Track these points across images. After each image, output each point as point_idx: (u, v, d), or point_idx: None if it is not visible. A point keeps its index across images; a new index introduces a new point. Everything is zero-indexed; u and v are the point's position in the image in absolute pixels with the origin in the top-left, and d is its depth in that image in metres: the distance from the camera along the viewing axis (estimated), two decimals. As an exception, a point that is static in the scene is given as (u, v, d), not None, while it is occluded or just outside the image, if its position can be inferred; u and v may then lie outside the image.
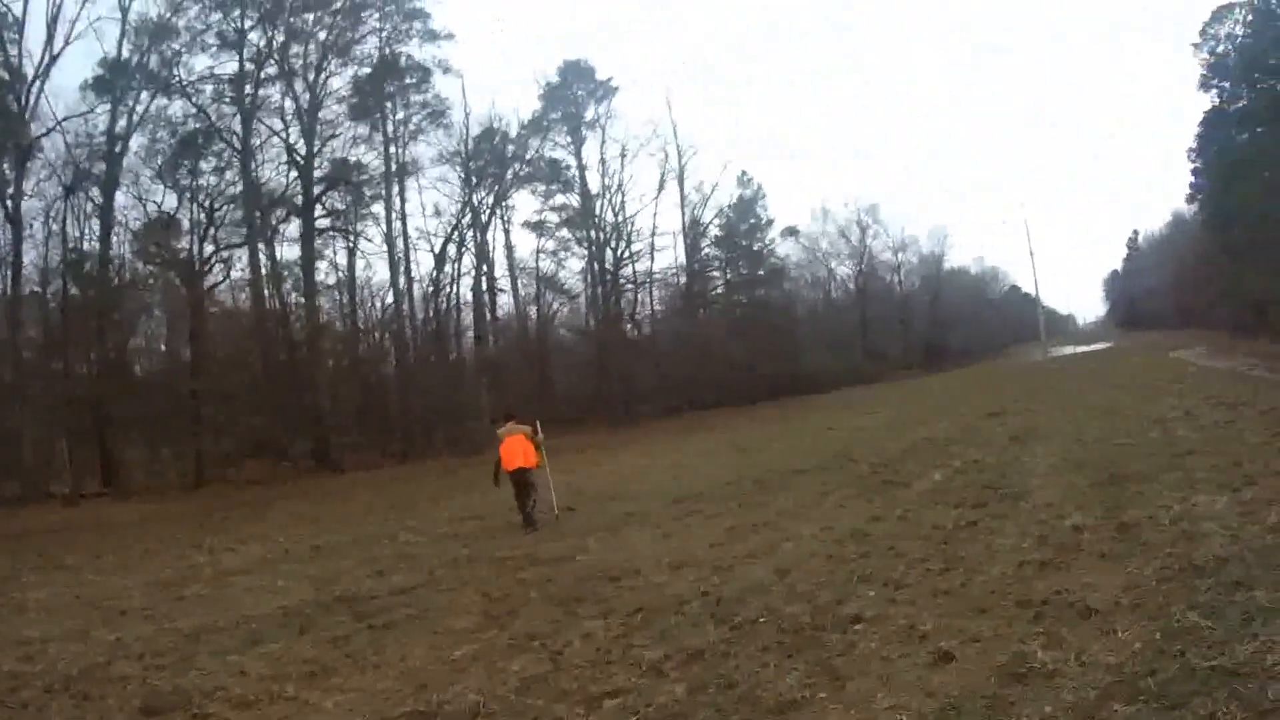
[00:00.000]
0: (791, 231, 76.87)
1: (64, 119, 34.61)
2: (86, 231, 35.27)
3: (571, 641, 8.81)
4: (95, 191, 35.08)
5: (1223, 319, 48.41)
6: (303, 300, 40.88)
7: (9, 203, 31.63)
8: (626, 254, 60.67)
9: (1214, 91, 49.11)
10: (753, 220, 69.61)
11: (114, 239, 35.90)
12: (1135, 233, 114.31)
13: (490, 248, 52.92)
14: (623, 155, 59.28)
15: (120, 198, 36.27)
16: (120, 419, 32.61)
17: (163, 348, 38.64)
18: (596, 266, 59.01)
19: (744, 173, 68.30)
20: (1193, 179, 57.19)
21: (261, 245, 39.94)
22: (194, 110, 38.68)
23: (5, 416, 28.78)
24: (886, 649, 7.42)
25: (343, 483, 31.33)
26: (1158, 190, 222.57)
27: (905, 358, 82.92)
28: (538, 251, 57.97)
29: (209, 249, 38.10)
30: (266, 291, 39.78)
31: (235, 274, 39.60)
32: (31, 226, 33.24)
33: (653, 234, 61.14)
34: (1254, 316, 39.54)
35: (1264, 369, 27.90)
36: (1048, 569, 9.09)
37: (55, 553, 18.16)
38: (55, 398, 30.98)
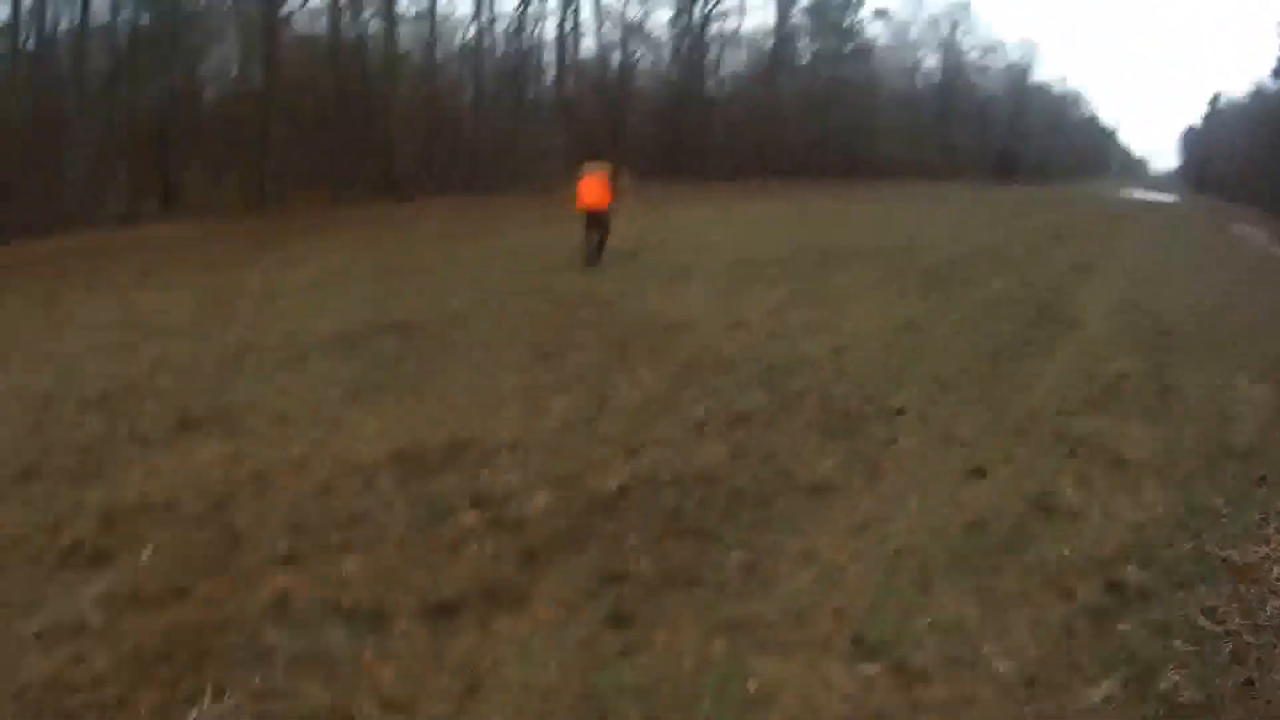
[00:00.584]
0: (882, 14, 73.15)
1: None
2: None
3: (619, 387, 8.50)
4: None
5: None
6: (381, 29, 38.27)
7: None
8: (715, 9, 57.16)
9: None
10: None
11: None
12: (1217, 94, 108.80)
13: None
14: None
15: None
16: (184, 143, 31.04)
17: (233, 74, 36.52)
18: (684, 18, 55.71)
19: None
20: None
21: None
22: None
23: (64, 141, 27.46)
24: (924, 451, 7.13)
25: (407, 211, 30.31)
26: (1245, 53, 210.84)
27: (977, 163, 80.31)
28: (626, -1, 55.15)
29: None
30: (345, 20, 37.08)
31: (314, 2, 36.54)
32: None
33: None
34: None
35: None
36: (1088, 408, 8.70)
37: (105, 272, 17.16)
38: (117, 122, 29.30)
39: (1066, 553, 5.51)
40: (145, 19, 31.74)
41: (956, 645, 4.53)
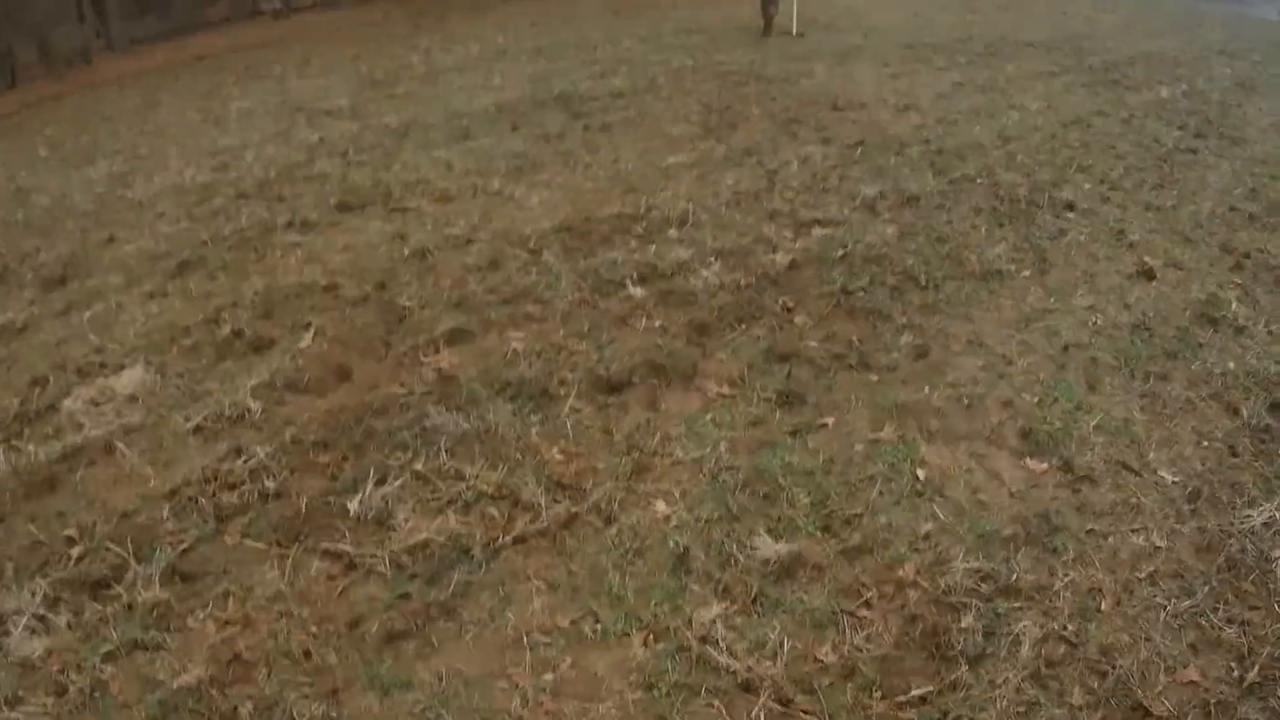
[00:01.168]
0: None
1: None
2: None
3: (789, 163, 8.06)
4: None
5: None
6: None
7: None
8: None
9: None
10: None
11: None
12: None
13: None
14: None
15: None
16: None
17: None
18: None
19: None
20: None
21: None
22: None
23: None
24: (1094, 246, 6.65)
25: None
26: None
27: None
28: None
29: None
30: None
31: None
32: None
33: None
34: None
35: None
36: (1255, 222, 7.98)
37: (262, 65, 16.65)
38: None
39: (1232, 366, 5.13)
40: None
41: (1123, 450, 4.28)
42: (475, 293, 5.64)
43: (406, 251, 6.33)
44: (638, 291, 5.57)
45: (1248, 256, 7.04)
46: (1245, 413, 4.68)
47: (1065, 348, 5.11)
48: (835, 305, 5.47)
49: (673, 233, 6.50)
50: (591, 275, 5.78)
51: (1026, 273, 6.06)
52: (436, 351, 5.11)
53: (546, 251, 6.18)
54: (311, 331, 5.38)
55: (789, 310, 5.40)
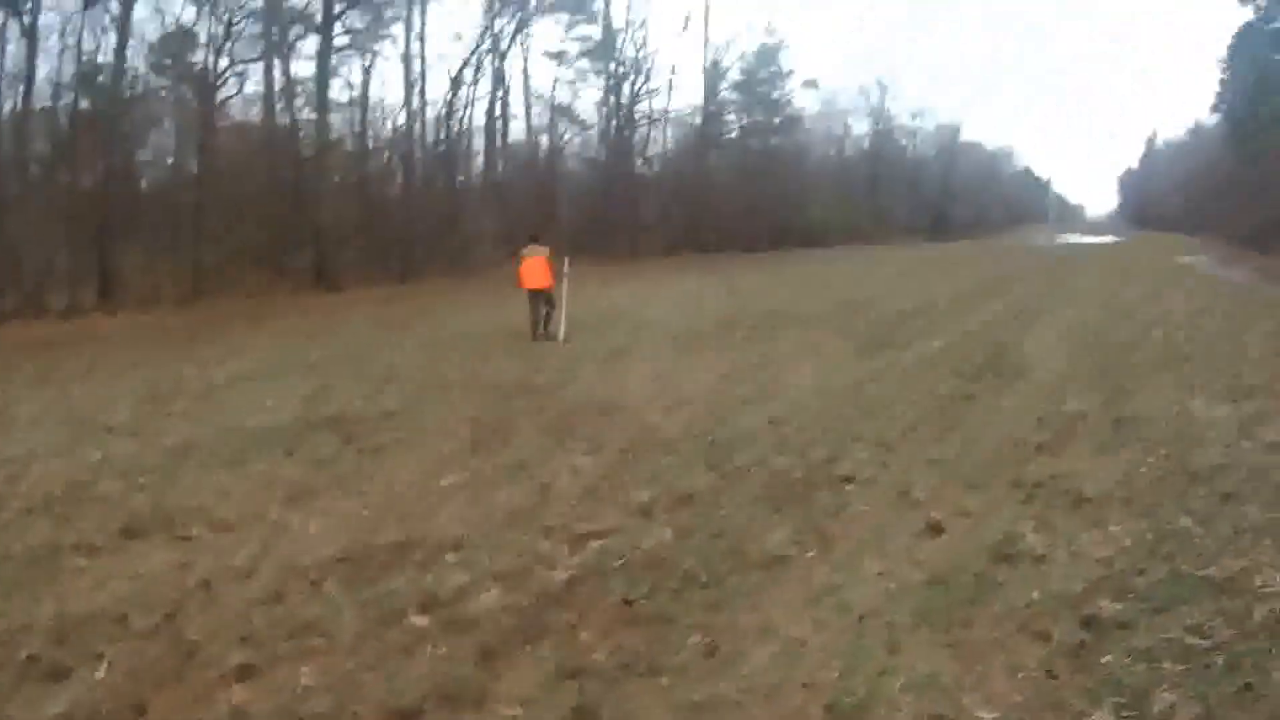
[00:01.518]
0: (811, 84, 75.30)
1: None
2: (102, 45, 32.71)
3: (560, 475, 8.57)
4: (114, 4, 32.69)
5: (1235, 231, 47.64)
6: (314, 116, 39.06)
7: (25, 16, 30.17)
8: (644, 89, 58.41)
9: (1251, 5, 47.99)
10: (773, 69, 67.47)
11: (129, 52, 33.51)
12: (1154, 133, 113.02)
13: (507, 75, 50.47)
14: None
15: (139, 9, 33.77)
16: (122, 230, 31.24)
17: (170, 160, 37.26)
18: (612, 100, 56.77)
19: (770, 22, 67.20)
20: (1219, 89, 56.34)
21: (277, 61, 37.89)
22: (220, -80, 36.84)
23: (7, 229, 27.85)
24: (877, 513, 7.24)
25: (340, 300, 30.75)
26: (1180, 96, 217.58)
27: (911, 223, 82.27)
28: (555, 80, 56.28)
29: (224, 63, 36.11)
30: (279, 107, 37.98)
31: (249, 89, 37.68)
32: (47, 40, 31.14)
33: (672, 73, 59.68)
34: (1269, 232, 38.92)
35: (1273, 286, 27.29)
36: (1043, 452, 8.90)
37: (48, 366, 17.07)
38: (58, 209, 29.82)
39: (1036, 596, 5.61)
40: (85, 103, 32.46)
41: (934, 702, 4.58)
42: (261, 627, 5.64)
43: (192, 582, 6.31)
44: (420, 620, 5.67)
45: (1039, 486, 7.79)
46: (1057, 635, 5.12)
47: (860, 617, 5.47)
48: (619, 616, 5.67)
49: (450, 557, 6.69)
50: (373, 605, 5.87)
51: (811, 553, 6.50)
52: (229, 686, 5.04)
53: (328, 582, 6.26)
54: (106, 662, 5.27)
55: (573, 627, 5.57)
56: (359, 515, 7.74)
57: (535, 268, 18.30)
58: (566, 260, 19.52)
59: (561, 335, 18.08)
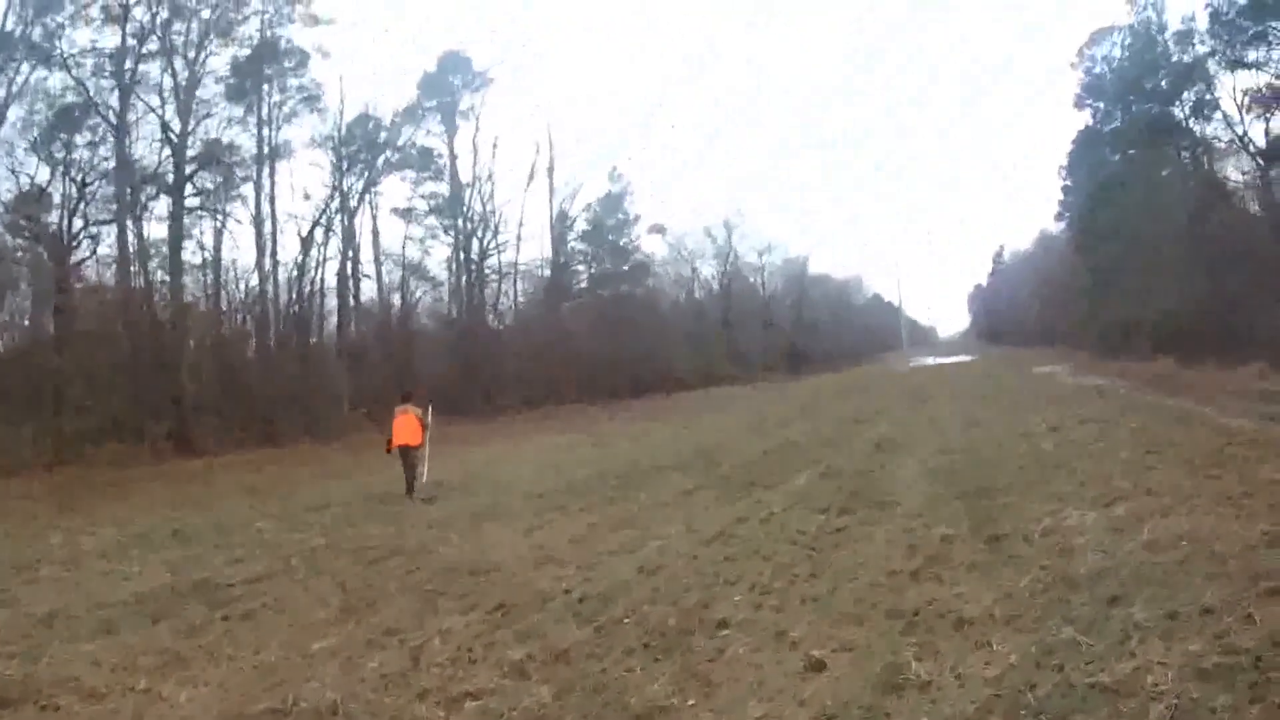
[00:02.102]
0: (658, 229, 77.18)
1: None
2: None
3: (432, 638, 8.55)
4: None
5: (1087, 337, 49.68)
6: (168, 279, 39.56)
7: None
8: (493, 244, 59.97)
9: (1089, 110, 50.56)
10: (620, 216, 69.68)
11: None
12: (1001, 248, 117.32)
13: (357, 233, 51.36)
14: (494, 146, 58.72)
15: (-7, 168, 35.11)
16: None
17: (26, 323, 37.06)
18: (462, 255, 58.11)
19: (614, 169, 68.43)
20: (1062, 197, 59.00)
21: (130, 223, 38.41)
22: (73, 83, 37.47)
23: None
24: (756, 655, 7.36)
25: (202, 466, 30.35)
26: (1026, 208, 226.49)
27: (767, 360, 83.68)
28: (405, 239, 56.91)
29: (78, 224, 36.82)
30: (133, 269, 38.17)
31: (103, 250, 38.04)
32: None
33: (520, 225, 60.82)
34: (1120, 337, 40.51)
35: (1128, 388, 28.55)
36: (918, 578, 9.14)
37: None
38: None
39: None
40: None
41: None
42: None
43: None
44: None
45: (918, 613, 7.94)
46: None
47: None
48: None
49: None
50: None
51: (691, 701, 6.58)
52: None
53: None
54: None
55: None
56: (230, 683, 7.69)
57: (407, 425, 19.76)
58: (430, 408, 21.17)
59: (425, 480, 19.71)
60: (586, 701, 6.69)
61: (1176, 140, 38.54)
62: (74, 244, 36.56)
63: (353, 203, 49.60)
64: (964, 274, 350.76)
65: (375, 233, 55.02)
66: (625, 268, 69.93)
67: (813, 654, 7.13)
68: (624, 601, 9.23)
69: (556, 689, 6.97)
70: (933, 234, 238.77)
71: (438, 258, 58.97)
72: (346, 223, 48.72)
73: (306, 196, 47.36)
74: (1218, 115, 38.06)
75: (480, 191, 58.54)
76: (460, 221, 57.84)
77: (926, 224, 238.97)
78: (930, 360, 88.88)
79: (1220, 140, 38.35)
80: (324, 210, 47.49)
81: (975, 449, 18.09)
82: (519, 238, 61.41)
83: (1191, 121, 38.68)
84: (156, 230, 40.13)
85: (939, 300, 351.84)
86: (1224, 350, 28.81)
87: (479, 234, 58.95)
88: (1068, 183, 57.29)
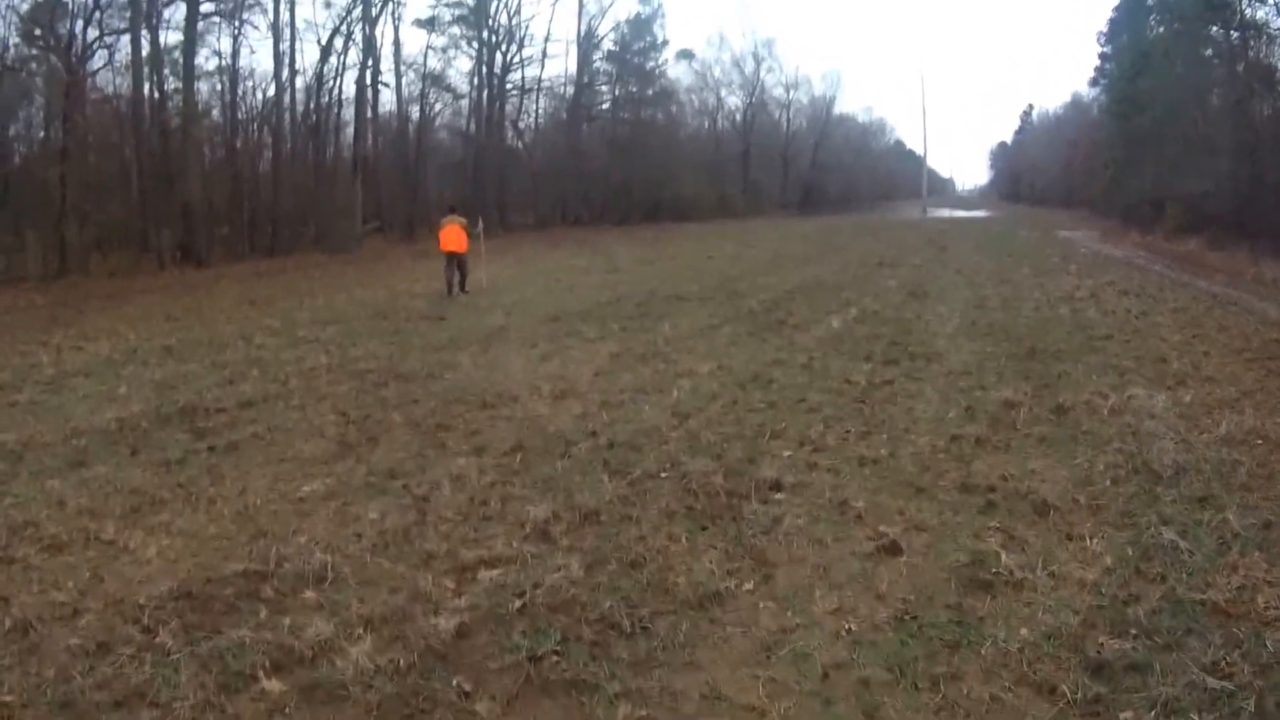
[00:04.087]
0: (686, 55, 76.14)
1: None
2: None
3: (440, 484, 7.34)
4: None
5: (1112, 206, 48.59)
6: (180, 86, 37.60)
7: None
8: (516, 59, 58.59)
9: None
10: (648, 39, 68.21)
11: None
12: (1030, 107, 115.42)
13: (378, 43, 48.67)
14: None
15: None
16: None
17: (41, 135, 35.68)
18: (484, 69, 56.36)
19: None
20: (1099, 63, 57.64)
21: (146, 32, 35.93)
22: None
23: None
24: (816, 528, 6.26)
25: (206, 277, 29.51)
26: (1056, 69, 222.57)
27: (783, 198, 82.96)
28: (426, 48, 55.42)
29: (93, 34, 34.61)
30: (147, 75, 36.33)
31: (118, 60, 36.29)
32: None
33: (546, 41, 59.28)
34: (1151, 209, 39.37)
35: (1161, 264, 27.37)
36: (984, 446, 8.13)
37: None
38: None
39: (1026, 633, 4.80)
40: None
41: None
42: (83, 688, 4.48)
43: (8, 624, 5.06)
44: (274, 686, 4.49)
45: (993, 490, 6.89)
46: (1066, 689, 4.27)
47: (824, 674, 4.49)
48: (524, 680, 4.55)
49: (310, 595, 5.45)
50: (216, 663, 4.70)
51: (749, 585, 5.45)
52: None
53: (163, 630, 5.02)
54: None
55: (467, 695, 4.45)
56: (206, 534, 6.49)
57: (452, 234, 22.14)
58: (480, 220, 24.17)
59: (484, 283, 22.54)
60: (624, 579, 5.55)
61: (1226, 19, 36.72)
62: (89, 54, 34.80)
63: (374, 10, 46.99)
64: (986, 129, 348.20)
65: (397, 44, 53.74)
66: (649, 92, 68.90)
67: (882, 531, 6.07)
68: (658, 450, 8.09)
69: (586, 560, 5.81)
70: (958, 87, 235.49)
71: (460, 69, 57.68)
72: (368, 31, 46.27)
73: (327, 4, 45.48)
74: (1270, 1, 36.39)
75: (507, 4, 56.73)
76: (484, 34, 55.98)
77: (954, 74, 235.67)
78: (947, 212, 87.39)
79: (1271, 27, 36.77)
80: (345, 18, 45.14)
81: (1013, 307, 17.05)
82: (544, 54, 60.23)
83: (1244, 3, 36.93)
84: (173, 39, 38.25)
85: (958, 152, 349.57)
86: (1256, 238, 27.66)
87: (503, 47, 57.27)
88: (1105, 50, 56.54)
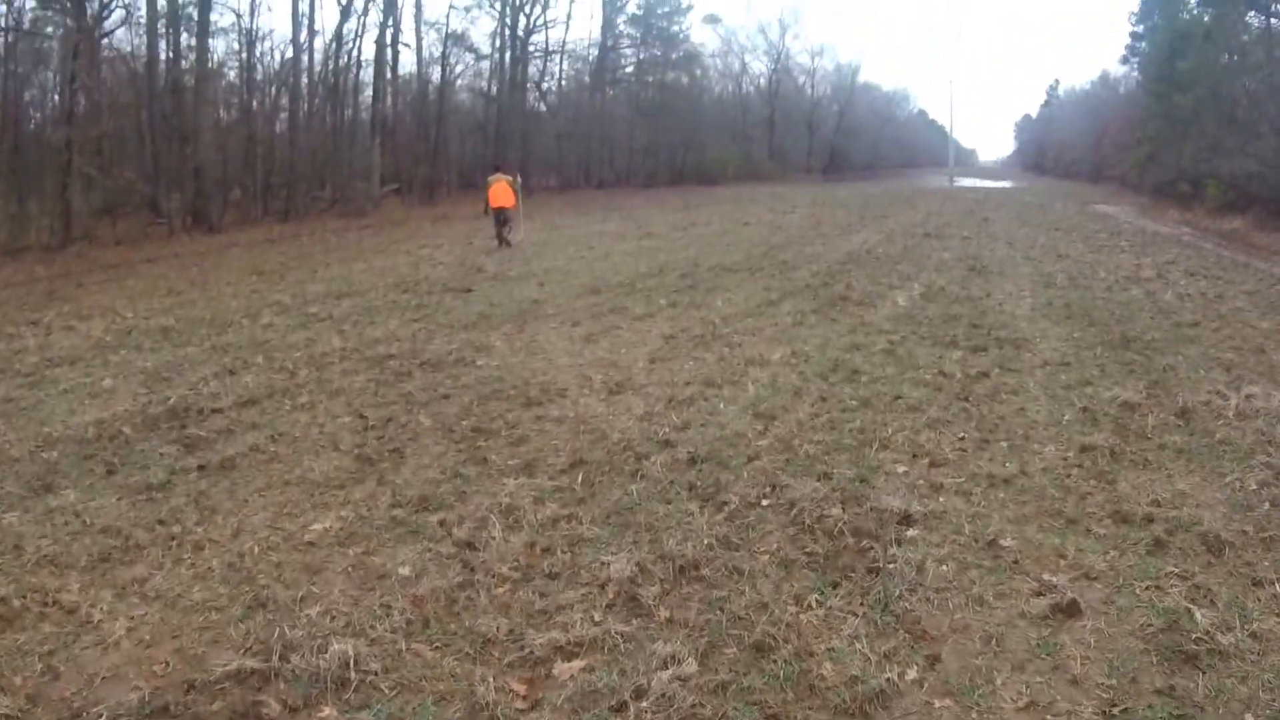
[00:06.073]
0: (712, 19, 76.47)
1: None
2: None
3: (487, 520, 5.80)
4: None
5: (1141, 182, 48.35)
6: (194, 43, 36.39)
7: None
8: (540, 20, 57.96)
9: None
10: (673, 3, 68.10)
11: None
12: (1056, 81, 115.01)
13: (399, 3, 47.38)
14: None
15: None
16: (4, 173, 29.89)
17: (55, 99, 34.58)
18: (507, 30, 55.56)
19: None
20: (1131, 41, 57.84)
21: None
22: None
23: None
24: (968, 579, 4.98)
25: (217, 243, 28.31)
26: (1085, 46, 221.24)
27: (807, 163, 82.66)
28: (449, 6, 54.63)
29: None
30: (162, 32, 35.36)
31: (135, 18, 35.34)
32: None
33: (570, 2, 58.73)
34: (1190, 186, 38.43)
35: (1210, 242, 26.03)
36: (1120, 461, 6.90)
37: None
38: None
39: None
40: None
41: None
42: None
43: None
44: None
45: (1151, 521, 5.75)
46: None
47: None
48: None
49: (329, 713, 4.08)
50: None
51: (912, 674, 4.13)
52: None
53: None
54: None
55: None
56: (189, 600, 4.95)
57: (501, 190, 24.02)
58: (519, 178, 26.21)
59: (520, 238, 24.51)
60: (752, 672, 4.14)
61: (1263, 5, 35.66)
62: (105, 11, 33.75)
63: (397, -30, 45.75)
64: (1008, 102, 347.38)
65: (418, 4, 52.69)
66: (674, 56, 68.86)
67: (1048, 581, 4.86)
68: (749, 469, 6.69)
69: (697, 644, 4.36)
70: (982, 59, 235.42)
71: (482, 30, 57.13)
72: (390, -10, 44.98)
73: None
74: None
75: (532, -38, 55.59)
76: (509, -7, 54.92)
77: (976, 48, 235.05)
78: (974, 182, 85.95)
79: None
80: (366, -26, 43.81)
81: (1082, 286, 15.76)
82: (569, 16, 59.45)
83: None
84: (191, -4, 37.39)
85: (982, 124, 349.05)
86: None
87: (526, 9, 56.55)
88: (1137, 29, 56.10)
